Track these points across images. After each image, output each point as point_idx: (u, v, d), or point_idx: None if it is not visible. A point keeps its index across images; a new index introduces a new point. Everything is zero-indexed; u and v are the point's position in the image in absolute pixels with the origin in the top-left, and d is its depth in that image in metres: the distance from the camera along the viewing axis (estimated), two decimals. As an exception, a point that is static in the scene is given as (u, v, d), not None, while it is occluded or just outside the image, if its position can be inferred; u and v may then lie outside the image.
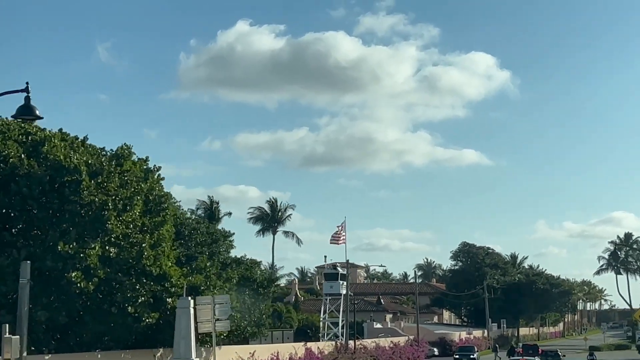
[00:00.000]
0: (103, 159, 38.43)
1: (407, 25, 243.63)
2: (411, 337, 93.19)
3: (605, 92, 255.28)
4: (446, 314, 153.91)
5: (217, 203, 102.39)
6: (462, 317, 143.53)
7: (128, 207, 37.70)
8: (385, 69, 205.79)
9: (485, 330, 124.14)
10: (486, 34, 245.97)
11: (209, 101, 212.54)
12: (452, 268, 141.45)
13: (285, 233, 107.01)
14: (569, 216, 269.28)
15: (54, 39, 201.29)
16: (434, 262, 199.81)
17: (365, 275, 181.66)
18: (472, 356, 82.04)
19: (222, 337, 42.83)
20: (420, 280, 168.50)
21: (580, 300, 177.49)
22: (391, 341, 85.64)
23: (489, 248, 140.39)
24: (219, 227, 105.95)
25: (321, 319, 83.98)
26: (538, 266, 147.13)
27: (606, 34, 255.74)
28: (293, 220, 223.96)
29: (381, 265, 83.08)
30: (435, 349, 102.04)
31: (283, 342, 71.02)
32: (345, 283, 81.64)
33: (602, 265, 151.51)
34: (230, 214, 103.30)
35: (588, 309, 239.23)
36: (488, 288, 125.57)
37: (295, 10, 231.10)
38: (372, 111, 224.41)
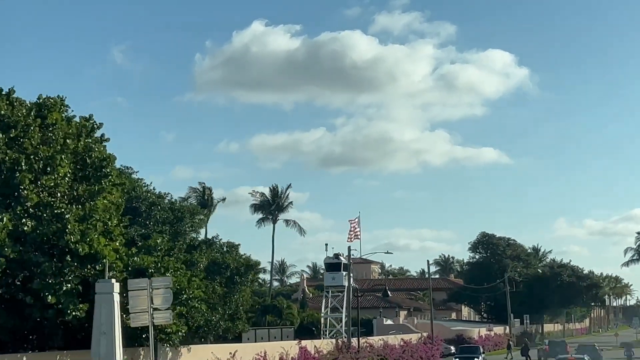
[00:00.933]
0: (20, 110, 30.26)
1: (423, 23, 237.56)
2: (425, 335, 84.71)
3: (626, 91, 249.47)
4: (465, 310, 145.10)
5: (210, 190, 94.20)
6: (482, 313, 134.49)
7: (49, 169, 29.53)
8: (402, 68, 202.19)
9: (507, 327, 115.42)
10: (503, 30, 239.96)
11: (225, 103, 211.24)
12: (471, 260, 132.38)
13: (287, 222, 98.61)
14: (589, 214, 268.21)
15: (69, 43, 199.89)
16: (452, 257, 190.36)
17: (380, 271, 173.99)
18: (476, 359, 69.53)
19: (183, 334, 34.61)
20: (437, 276, 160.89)
21: (607, 295, 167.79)
22: (402, 339, 77.23)
23: (509, 239, 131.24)
24: (212, 215, 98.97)
25: (322, 315, 75.72)
26: (562, 260, 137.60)
27: (627, 31, 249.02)
28: (305, 217, 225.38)
29: (387, 252, 74.21)
30: (452, 347, 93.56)
31: (282, 340, 62.78)
32: (348, 274, 73.40)
33: (633, 256, 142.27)
34: (224, 199, 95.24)
35: (614, 304, 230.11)
36: (509, 281, 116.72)
37: (310, 9, 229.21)
38: (389, 111, 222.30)
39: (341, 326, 71.95)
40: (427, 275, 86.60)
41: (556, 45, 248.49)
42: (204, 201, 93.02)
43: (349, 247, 66.92)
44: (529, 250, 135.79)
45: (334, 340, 64.68)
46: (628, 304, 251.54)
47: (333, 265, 73.18)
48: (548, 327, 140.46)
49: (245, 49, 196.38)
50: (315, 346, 60.08)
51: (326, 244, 73.54)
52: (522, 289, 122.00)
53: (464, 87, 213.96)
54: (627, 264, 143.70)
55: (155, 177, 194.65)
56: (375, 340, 71.87)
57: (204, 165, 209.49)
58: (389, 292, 65.94)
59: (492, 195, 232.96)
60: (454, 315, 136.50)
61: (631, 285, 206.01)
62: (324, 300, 75.75)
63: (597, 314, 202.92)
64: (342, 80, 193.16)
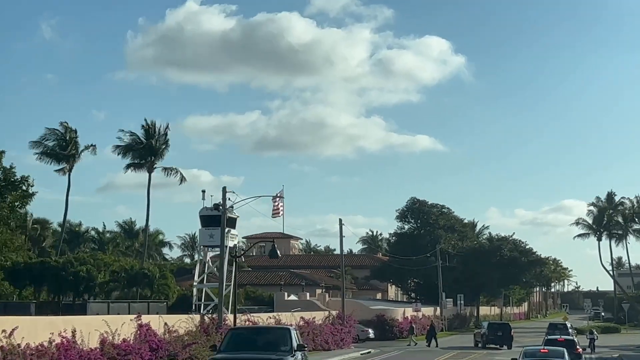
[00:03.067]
0: None
1: (360, 6, 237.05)
2: (334, 313, 66.57)
3: (563, 82, 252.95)
4: (392, 290, 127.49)
5: (75, 132, 74.79)
6: (409, 293, 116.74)
7: None
8: (339, 51, 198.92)
9: (438, 308, 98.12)
10: (441, 17, 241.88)
11: (157, 82, 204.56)
12: (398, 231, 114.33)
13: (166, 170, 78.64)
14: (520, 204, 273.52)
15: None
16: (380, 234, 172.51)
17: (301, 248, 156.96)
18: None
19: None
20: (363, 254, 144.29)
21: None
22: (302, 317, 59.07)
23: (443, 206, 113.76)
24: (80, 162, 79.54)
25: (195, 284, 57.17)
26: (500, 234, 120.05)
27: (563, 23, 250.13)
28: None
29: (277, 196, 56.25)
30: (370, 330, 75.88)
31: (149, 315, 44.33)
32: (231, 232, 54.87)
33: (583, 231, 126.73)
34: (93, 146, 75.70)
35: (552, 290, 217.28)
36: (442, 255, 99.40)
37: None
38: (325, 95, 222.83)
39: (219, 300, 53.28)
40: (339, 240, 68.21)
41: (493, 36, 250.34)
42: (64, 145, 73.71)
43: (224, 188, 48.42)
44: (465, 221, 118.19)
45: (198, 317, 46.37)
46: (565, 290, 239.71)
47: (211, 218, 54.43)
48: (484, 310, 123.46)
49: (179, 28, 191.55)
50: (166, 324, 41.86)
51: (203, 191, 54.38)
52: (456, 265, 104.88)
53: (401, 73, 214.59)
54: (581, 236, 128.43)
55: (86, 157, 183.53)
56: (263, 318, 53.61)
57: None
58: (277, 252, 47.32)
59: (426, 183, 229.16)
60: (379, 296, 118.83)
61: (570, 270, 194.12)
62: (197, 266, 57.09)
63: (535, 299, 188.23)
64: (278, 63, 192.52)
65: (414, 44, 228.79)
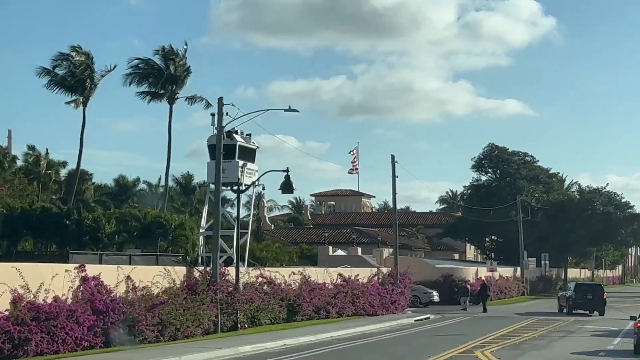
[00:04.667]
0: None
1: None
2: (384, 271, 54.91)
3: None
4: (471, 252, 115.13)
5: (90, 57, 64.21)
6: (488, 253, 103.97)
7: None
8: (425, 14, 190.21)
9: (518, 269, 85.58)
10: None
11: (241, 47, 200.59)
12: (474, 183, 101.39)
13: (190, 99, 66.54)
14: (612, 169, 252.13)
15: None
16: (460, 193, 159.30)
17: (373, 206, 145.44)
18: None
19: None
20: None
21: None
22: (339, 274, 47.62)
23: (526, 154, 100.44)
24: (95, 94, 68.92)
25: (201, 231, 46.07)
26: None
27: None
28: (326, 167, 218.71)
29: (291, 110, 44.80)
30: (434, 292, 64.28)
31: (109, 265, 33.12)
32: (248, 166, 43.71)
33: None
34: (113, 68, 64.82)
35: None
36: (524, 208, 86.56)
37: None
38: (411, 59, 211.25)
39: (232, 251, 42.28)
40: (392, 180, 56.53)
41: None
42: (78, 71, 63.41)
43: (220, 99, 37.15)
44: (551, 171, 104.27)
45: (183, 270, 35.52)
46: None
47: (223, 148, 43.26)
48: (572, 273, 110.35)
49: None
50: (129, 277, 31.13)
51: (212, 115, 42.01)
52: (541, 220, 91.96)
53: (489, 36, 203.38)
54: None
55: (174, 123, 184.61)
56: (285, 274, 42.45)
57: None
58: (293, 184, 35.77)
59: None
60: (456, 257, 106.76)
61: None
62: (205, 208, 45.82)
63: (630, 262, 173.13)
64: (362, 26, 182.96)
65: (502, 6, 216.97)
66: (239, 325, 36.08)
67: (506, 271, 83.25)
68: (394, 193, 57.31)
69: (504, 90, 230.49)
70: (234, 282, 36.53)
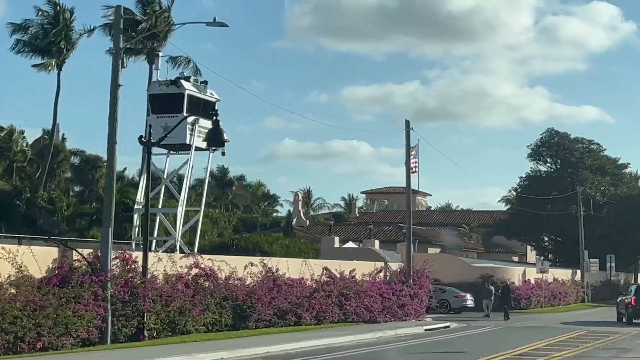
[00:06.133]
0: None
1: None
2: (393, 267, 44.07)
3: None
4: (532, 255, 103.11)
5: (70, 12, 55.02)
6: (545, 254, 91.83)
7: None
8: (501, 18, 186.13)
9: (578, 271, 73.71)
10: None
11: (314, 52, 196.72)
12: (531, 174, 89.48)
13: (172, 59, 55.66)
14: None
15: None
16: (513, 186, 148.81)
17: (429, 205, 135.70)
18: None
19: None
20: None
21: None
22: (325, 268, 37.06)
23: (591, 142, 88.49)
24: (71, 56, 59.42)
25: (136, 206, 35.93)
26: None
27: None
28: (396, 172, 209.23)
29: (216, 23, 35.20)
30: (468, 296, 53.41)
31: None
32: (200, 122, 33.57)
33: None
34: (91, 30, 55.22)
35: None
36: (587, 202, 74.67)
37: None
38: (486, 64, 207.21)
39: (176, 236, 32.20)
40: (406, 142, 45.96)
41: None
42: (55, 20, 54.26)
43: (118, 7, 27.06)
44: (618, 161, 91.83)
45: (52, 252, 25.50)
46: None
47: (166, 98, 33.36)
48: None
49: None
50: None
51: (157, 54, 31.62)
52: (607, 217, 79.96)
53: (567, 41, 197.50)
54: None
55: (245, 126, 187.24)
56: (237, 264, 32.20)
57: (295, 116, 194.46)
58: (224, 133, 25.46)
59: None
60: (515, 260, 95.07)
61: None
62: (142, 179, 35.67)
63: None
64: (437, 31, 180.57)
65: (581, 10, 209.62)
66: (145, 333, 25.94)
67: (563, 273, 71.56)
68: (408, 166, 46.67)
69: (581, 97, 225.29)
70: (143, 271, 26.37)
